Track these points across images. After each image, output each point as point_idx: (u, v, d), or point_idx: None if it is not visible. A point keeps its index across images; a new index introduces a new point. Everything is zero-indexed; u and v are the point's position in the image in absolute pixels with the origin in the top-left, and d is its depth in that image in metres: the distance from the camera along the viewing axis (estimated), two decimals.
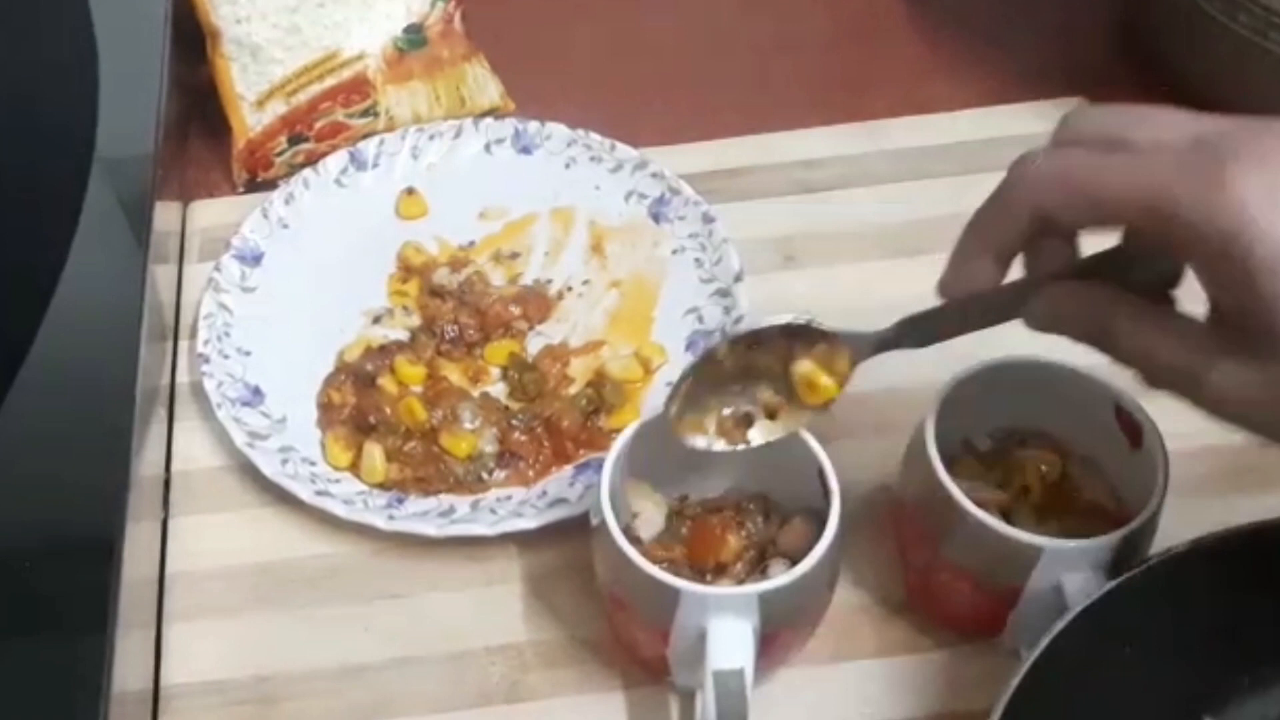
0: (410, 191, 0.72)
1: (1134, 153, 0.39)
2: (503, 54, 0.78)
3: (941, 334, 0.46)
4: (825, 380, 0.48)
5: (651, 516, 0.52)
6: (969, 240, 0.44)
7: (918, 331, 0.46)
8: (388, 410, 0.61)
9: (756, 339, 0.48)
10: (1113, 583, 0.45)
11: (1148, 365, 0.41)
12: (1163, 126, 0.40)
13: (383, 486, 0.60)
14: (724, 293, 0.65)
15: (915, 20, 0.83)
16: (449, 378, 0.63)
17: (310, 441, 0.62)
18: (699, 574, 0.51)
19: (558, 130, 0.73)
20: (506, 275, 0.68)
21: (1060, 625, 0.44)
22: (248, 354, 0.65)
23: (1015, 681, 0.43)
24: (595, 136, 0.72)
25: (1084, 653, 0.44)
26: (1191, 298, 0.44)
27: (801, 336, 0.48)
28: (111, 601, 0.49)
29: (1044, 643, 0.43)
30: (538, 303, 0.66)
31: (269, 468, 0.59)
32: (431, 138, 0.73)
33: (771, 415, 0.49)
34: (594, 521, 0.51)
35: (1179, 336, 0.40)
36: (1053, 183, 0.41)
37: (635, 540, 0.51)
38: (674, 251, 0.68)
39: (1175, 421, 0.52)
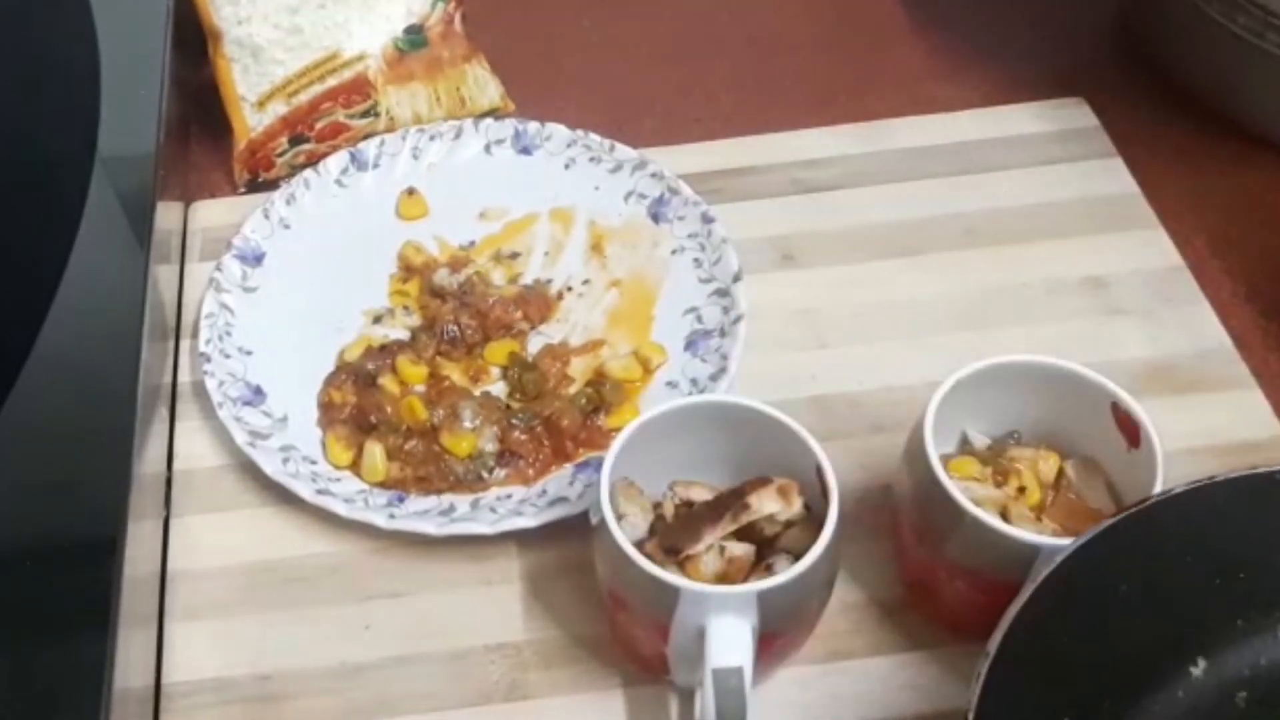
0: (411, 192, 0.72)
1: None
2: (503, 54, 0.78)
3: None
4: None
5: (636, 521, 0.52)
6: None
7: None
8: (388, 409, 0.62)
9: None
10: (1113, 520, 0.45)
11: None
12: None
13: (383, 485, 0.60)
14: (723, 292, 0.65)
15: (915, 21, 0.83)
16: (450, 377, 0.64)
17: (311, 440, 0.62)
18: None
19: (558, 131, 0.73)
20: (507, 275, 0.68)
21: (1061, 557, 0.44)
22: (249, 353, 0.65)
23: (1014, 611, 0.43)
24: (595, 137, 0.72)
25: (1082, 586, 0.43)
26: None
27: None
28: (113, 600, 0.49)
29: (1044, 573, 0.43)
30: (538, 303, 0.66)
31: (270, 467, 0.59)
32: (432, 138, 0.73)
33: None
34: (594, 520, 0.51)
35: None
36: None
37: None
38: (673, 251, 0.68)
39: (1173, 421, 0.53)
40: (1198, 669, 0.44)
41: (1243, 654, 0.45)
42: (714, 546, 0.50)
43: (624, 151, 0.72)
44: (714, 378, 0.62)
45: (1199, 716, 0.44)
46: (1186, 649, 0.45)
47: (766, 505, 0.50)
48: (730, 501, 0.50)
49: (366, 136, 0.74)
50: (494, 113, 0.76)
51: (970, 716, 0.40)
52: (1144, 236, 0.69)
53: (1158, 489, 0.49)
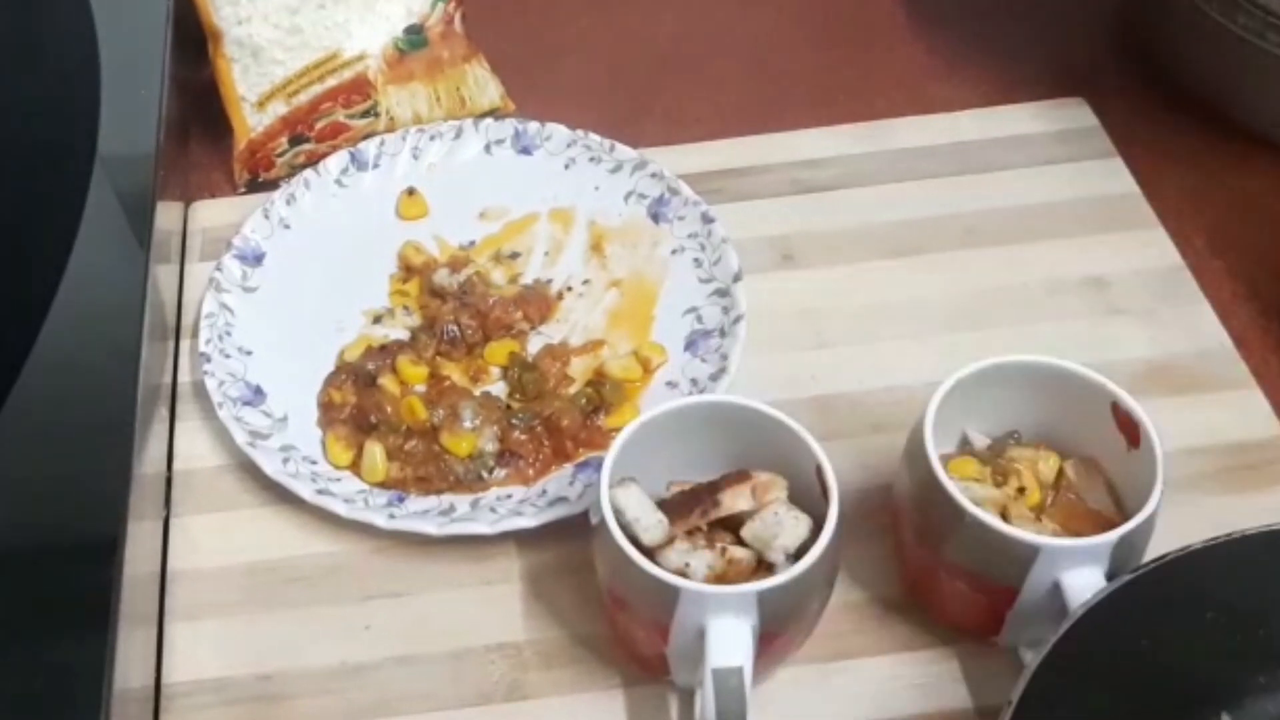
0: (411, 192, 0.72)
1: None
2: (503, 54, 0.78)
3: None
4: None
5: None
6: None
7: None
8: (388, 409, 0.62)
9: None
10: (1131, 575, 0.45)
11: None
12: None
13: (383, 485, 0.60)
14: (723, 292, 0.65)
15: (915, 21, 0.83)
16: (450, 377, 0.64)
17: (311, 440, 0.62)
18: None
19: (558, 130, 0.73)
20: (507, 275, 0.68)
21: (1079, 614, 0.44)
22: (249, 353, 0.65)
23: (1034, 666, 0.43)
24: (595, 137, 0.72)
25: (1101, 644, 0.43)
26: None
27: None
28: (113, 600, 0.49)
29: (1063, 629, 0.43)
30: (538, 303, 0.66)
31: (270, 467, 0.59)
32: (432, 138, 0.73)
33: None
34: (594, 520, 0.51)
35: None
36: None
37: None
38: (673, 251, 0.68)
39: (1173, 421, 0.53)
40: None
41: (1266, 708, 0.45)
42: (718, 548, 0.50)
43: (624, 151, 0.72)
44: (714, 378, 0.62)
45: None
46: (1209, 704, 0.45)
47: (738, 503, 0.50)
48: (702, 496, 0.51)
49: (366, 136, 0.74)
50: (494, 113, 0.76)
51: None
52: (1144, 236, 0.69)
53: (1158, 489, 0.49)
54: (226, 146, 0.75)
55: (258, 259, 0.69)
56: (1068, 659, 0.43)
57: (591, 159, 0.72)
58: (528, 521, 0.57)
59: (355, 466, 0.61)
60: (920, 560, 0.53)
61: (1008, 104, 0.76)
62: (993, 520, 0.48)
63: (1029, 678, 0.42)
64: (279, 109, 0.73)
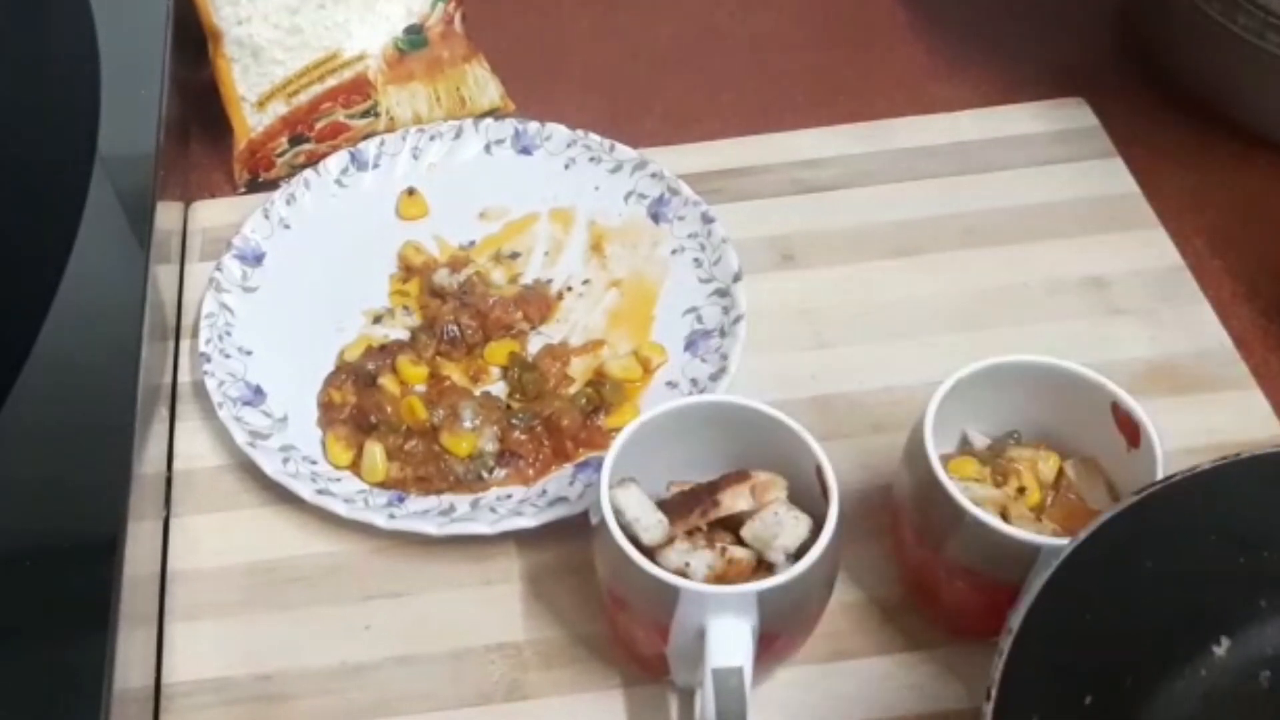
0: (411, 192, 0.72)
1: None
2: (503, 54, 0.78)
3: None
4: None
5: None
6: None
7: None
8: (388, 409, 0.62)
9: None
10: (1137, 496, 0.44)
11: None
12: None
13: (383, 485, 0.60)
14: (723, 292, 0.65)
15: (915, 21, 0.83)
16: (450, 377, 0.64)
17: (311, 440, 0.62)
18: None
19: (558, 131, 0.73)
20: (507, 275, 0.68)
21: (1085, 533, 0.43)
22: (249, 353, 0.65)
23: (1038, 587, 0.42)
24: (595, 137, 0.72)
25: (1106, 563, 0.43)
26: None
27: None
28: (113, 600, 0.49)
29: (1067, 550, 0.43)
30: (538, 303, 0.66)
31: (270, 467, 0.59)
32: (432, 138, 0.73)
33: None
34: (594, 520, 0.51)
35: None
36: None
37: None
38: (673, 251, 0.68)
39: (1173, 421, 0.53)
40: (1220, 648, 0.44)
41: (1266, 633, 0.45)
42: (718, 548, 0.50)
43: (624, 151, 0.72)
44: (714, 378, 0.62)
45: (1222, 695, 0.44)
46: (1210, 627, 0.44)
47: (738, 503, 0.50)
48: (702, 496, 0.51)
49: (366, 136, 0.74)
50: (494, 113, 0.76)
51: (992, 691, 0.40)
52: (1144, 236, 0.69)
53: None
54: (226, 146, 0.75)
55: (258, 259, 0.69)
56: (1071, 580, 0.43)
57: (591, 159, 0.72)
58: (528, 521, 0.57)
59: (355, 466, 0.61)
60: (920, 560, 0.53)
61: (1008, 104, 0.76)
62: (993, 520, 0.48)
63: (1033, 598, 0.42)
64: (279, 109, 0.73)
